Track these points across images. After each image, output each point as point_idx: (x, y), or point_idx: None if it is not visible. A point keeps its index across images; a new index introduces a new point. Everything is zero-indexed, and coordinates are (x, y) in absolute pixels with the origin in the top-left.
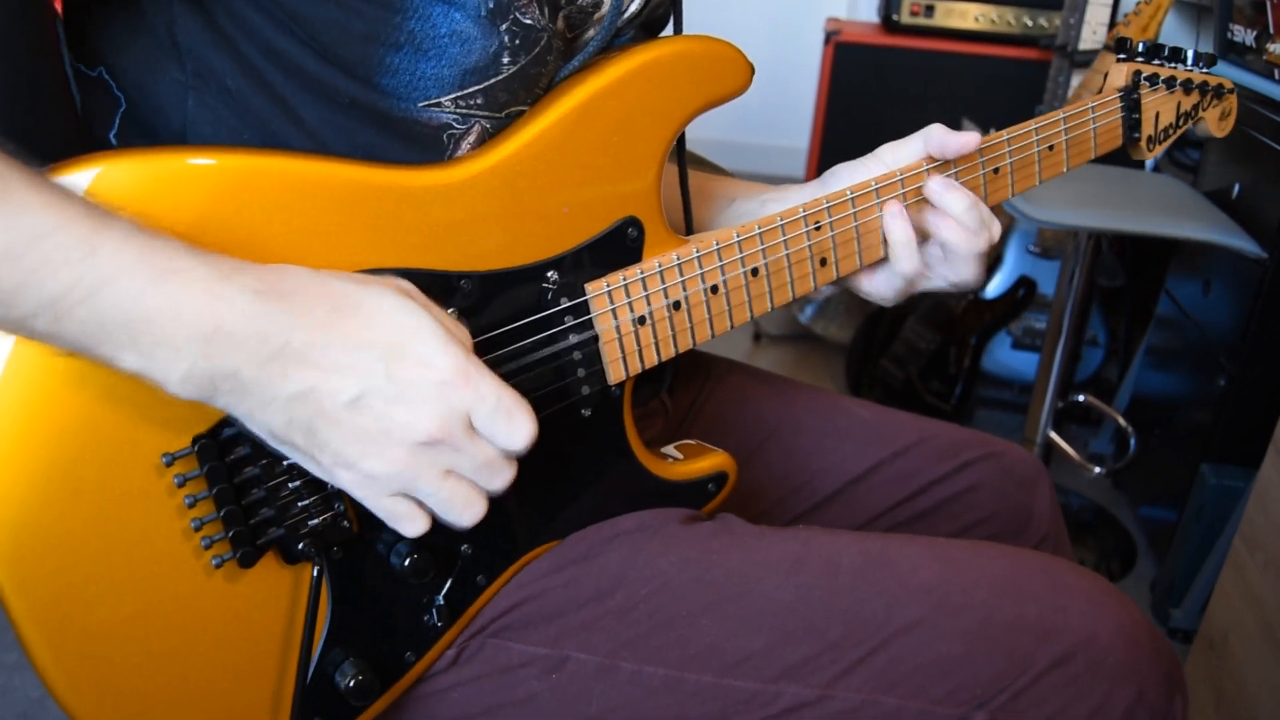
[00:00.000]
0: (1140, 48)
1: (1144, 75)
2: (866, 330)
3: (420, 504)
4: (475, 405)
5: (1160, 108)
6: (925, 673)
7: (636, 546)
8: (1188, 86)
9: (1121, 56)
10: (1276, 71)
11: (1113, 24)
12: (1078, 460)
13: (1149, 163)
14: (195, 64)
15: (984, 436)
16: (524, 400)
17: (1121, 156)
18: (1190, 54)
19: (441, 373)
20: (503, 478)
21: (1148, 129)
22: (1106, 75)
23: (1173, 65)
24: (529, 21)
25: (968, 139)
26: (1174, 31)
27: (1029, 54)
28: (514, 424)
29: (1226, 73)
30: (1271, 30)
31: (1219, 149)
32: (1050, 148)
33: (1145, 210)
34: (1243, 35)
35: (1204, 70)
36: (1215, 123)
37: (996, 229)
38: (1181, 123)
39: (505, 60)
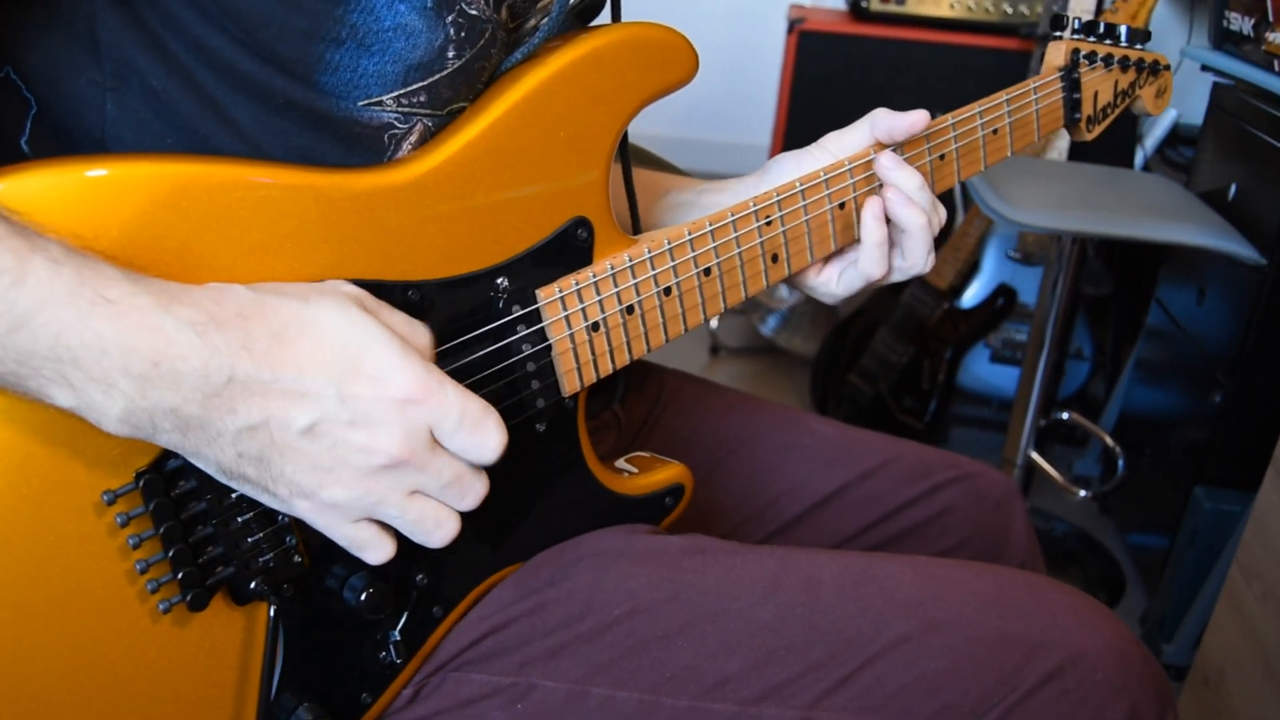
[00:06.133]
0: (1076, 24)
1: (1082, 53)
2: (833, 342)
3: (384, 528)
4: (439, 420)
5: (1099, 86)
6: (912, 691)
7: (603, 568)
8: (1124, 64)
9: (1057, 34)
10: (1276, 62)
11: (1099, 11)
12: (1061, 483)
13: (1139, 162)
14: (115, 63)
15: (955, 457)
16: (490, 407)
17: (1110, 154)
18: (1124, 30)
19: (399, 389)
20: (474, 493)
21: (1087, 109)
22: (1044, 54)
23: (1109, 42)
24: (474, 13)
25: (916, 118)
26: (1167, 21)
27: (1008, 44)
28: (483, 434)
29: (1223, 64)
30: (1271, 18)
31: (1214, 147)
32: (995, 131)
33: (1134, 213)
34: (1240, 24)
35: (1139, 47)
36: (1151, 100)
37: (943, 213)
38: (1119, 101)
39: (450, 54)
